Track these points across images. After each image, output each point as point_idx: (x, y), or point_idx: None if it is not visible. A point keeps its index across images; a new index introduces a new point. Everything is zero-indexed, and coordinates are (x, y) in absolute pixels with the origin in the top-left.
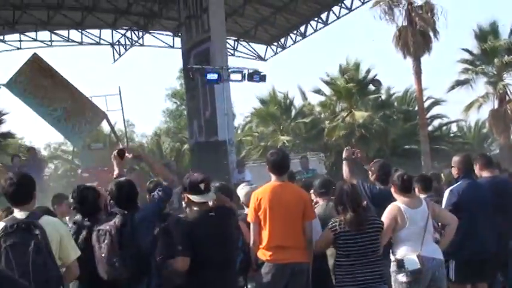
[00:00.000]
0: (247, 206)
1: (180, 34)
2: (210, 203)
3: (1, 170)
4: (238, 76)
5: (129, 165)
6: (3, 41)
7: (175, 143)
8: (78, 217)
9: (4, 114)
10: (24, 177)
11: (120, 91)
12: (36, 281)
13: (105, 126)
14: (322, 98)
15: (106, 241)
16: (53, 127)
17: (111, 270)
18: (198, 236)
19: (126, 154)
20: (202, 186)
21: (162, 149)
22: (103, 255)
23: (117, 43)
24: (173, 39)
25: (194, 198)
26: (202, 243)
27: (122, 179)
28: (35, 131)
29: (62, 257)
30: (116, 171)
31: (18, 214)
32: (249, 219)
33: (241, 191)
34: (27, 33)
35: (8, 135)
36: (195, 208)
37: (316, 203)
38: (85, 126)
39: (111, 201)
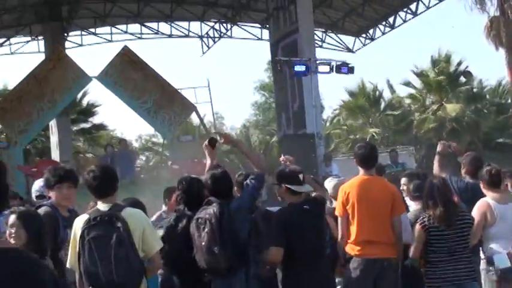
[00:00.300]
0: (335, 199)
1: (267, 26)
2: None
3: (92, 161)
4: (326, 68)
5: (219, 158)
6: (94, 33)
7: (264, 135)
8: (181, 207)
9: (96, 106)
10: (107, 170)
11: (208, 83)
12: (118, 274)
13: (194, 118)
14: (411, 91)
15: (206, 229)
16: (144, 119)
17: (211, 259)
18: (293, 227)
19: (219, 139)
20: (301, 176)
21: (251, 141)
22: (203, 243)
23: (206, 35)
24: (261, 31)
25: (295, 188)
26: (297, 234)
27: (217, 170)
28: (126, 122)
29: (144, 249)
30: (209, 161)
31: (102, 206)
32: (336, 213)
33: (329, 183)
34: (118, 26)
35: (101, 127)
36: (290, 200)
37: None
38: (174, 119)
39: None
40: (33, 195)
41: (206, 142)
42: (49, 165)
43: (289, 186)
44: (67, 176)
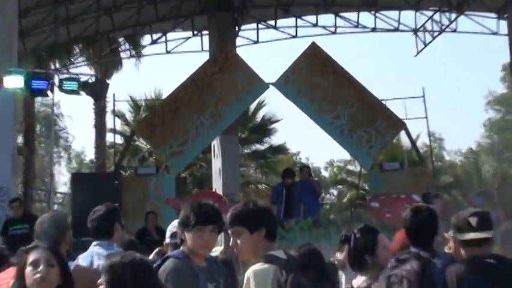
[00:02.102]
0: None
1: (506, 16)
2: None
3: (266, 193)
4: None
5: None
6: (275, 27)
7: (500, 163)
8: None
9: (274, 122)
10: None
11: (423, 93)
12: None
13: (403, 139)
14: None
15: None
16: (335, 140)
17: None
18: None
19: None
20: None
21: (482, 171)
22: None
23: (422, 29)
24: (497, 22)
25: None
26: None
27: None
28: (313, 144)
29: None
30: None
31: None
32: None
33: None
34: (304, 18)
35: (279, 149)
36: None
37: None
38: (376, 140)
39: None
40: (167, 235)
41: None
42: (208, 199)
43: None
44: (215, 217)
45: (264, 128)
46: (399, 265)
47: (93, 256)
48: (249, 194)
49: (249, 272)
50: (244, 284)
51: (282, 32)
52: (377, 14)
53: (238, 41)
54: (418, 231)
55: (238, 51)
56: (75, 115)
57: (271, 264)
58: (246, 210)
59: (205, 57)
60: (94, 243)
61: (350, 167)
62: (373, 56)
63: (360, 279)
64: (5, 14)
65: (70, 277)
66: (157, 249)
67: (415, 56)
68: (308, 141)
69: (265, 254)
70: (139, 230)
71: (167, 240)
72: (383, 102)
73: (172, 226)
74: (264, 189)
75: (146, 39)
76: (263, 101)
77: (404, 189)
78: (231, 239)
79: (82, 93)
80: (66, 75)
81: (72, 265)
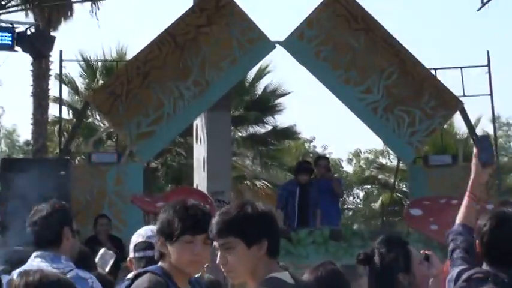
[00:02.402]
0: None
1: None
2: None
3: (267, 193)
4: None
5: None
6: None
7: None
8: None
9: (281, 96)
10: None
11: (489, 61)
12: None
13: (457, 123)
14: None
15: None
16: (365, 122)
17: None
18: None
19: None
20: None
21: None
22: None
23: None
24: None
25: None
26: None
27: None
28: (333, 128)
29: None
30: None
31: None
32: None
33: None
34: None
35: (288, 134)
36: None
37: None
38: (422, 123)
39: None
40: (131, 247)
41: (475, 160)
42: (190, 198)
43: None
44: (208, 223)
45: (267, 104)
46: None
47: None
48: (242, 192)
49: None
50: None
51: None
52: None
53: None
54: (501, 245)
55: None
56: (5, 79)
57: None
58: (243, 216)
59: (188, 3)
60: (35, 254)
61: (383, 160)
62: (420, 9)
63: None
64: None
65: None
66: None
67: (478, 10)
68: (326, 123)
69: (266, 277)
70: (88, 238)
71: (131, 254)
72: (432, 72)
73: (138, 235)
74: (264, 187)
75: None
76: (267, 67)
77: (457, 192)
78: (219, 254)
79: (17, 48)
80: None
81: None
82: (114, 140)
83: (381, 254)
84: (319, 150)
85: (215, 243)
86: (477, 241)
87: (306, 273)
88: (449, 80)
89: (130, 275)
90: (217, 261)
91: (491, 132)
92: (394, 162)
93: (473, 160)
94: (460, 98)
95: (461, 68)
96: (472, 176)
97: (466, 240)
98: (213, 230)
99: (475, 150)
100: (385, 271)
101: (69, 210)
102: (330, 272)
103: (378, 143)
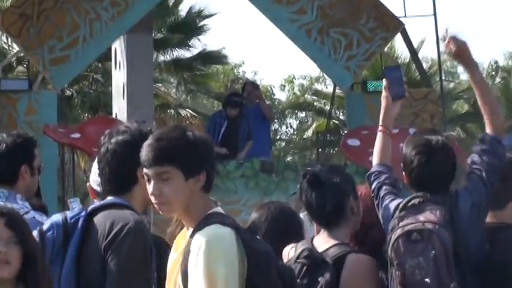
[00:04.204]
0: None
1: None
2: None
3: (192, 123)
4: None
5: None
6: None
7: None
8: None
9: (207, 17)
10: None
11: None
12: None
13: (399, 46)
14: None
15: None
16: (297, 45)
17: None
18: None
19: (446, 48)
20: None
21: None
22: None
23: None
24: None
25: None
26: None
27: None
28: (263, 52)
29: None
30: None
31: None
32: None
33: None
34: None
35: (215, 58)
36: None
37: None
38: (359, 46)
39: None
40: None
41: (385, 92)
42: (107, 128)
43: None
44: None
45: (192, 26)
46: (410, 214)
47: None
48: (166, 122)
49: (202, 239)
50: (191, 258)
51: None
52: None
53: None
54: (431, 179)
55: None
56: None
57: (230, 228)
58: (184, 144)
59: None
60: None
61: (318, 86)
62: None
63: (323, 240)
64: None
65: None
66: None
67: None
68: (257, 46)
69: (210, 212)
70: None
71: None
72: None
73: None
74: (190, 116)
75: None
76: None
77: (398, 121)
78: (152, 183)
79: None
80: None
81: None
82: (25, 65)
83: (320, 176)
84: (249, 75)
85: (147, 171)
86: (404, 173)
87: (253, 212)
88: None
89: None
90: (149, 192)
91: (434, 55)
92: (330, 89)
93: (383, 93)
94: (402, 19)
95: None
96: (382, 110)
97: (389, 178)
98: (147, 156)
99: (384, 82)
100: (331, 196)
101: (31, 144)
102: (281, 209)
103: (313, 68)
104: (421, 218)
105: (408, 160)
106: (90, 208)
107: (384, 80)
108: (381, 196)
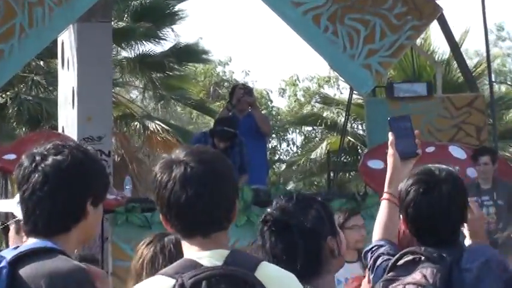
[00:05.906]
0: None
1: None
2: None
3: (165, 140)
4: None
5: None
6: None
7: None
8: None
9: (181, 1)
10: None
11: None
12: None
13: (435, 39)
14: None
15: None
16: (302, 37)
17: None
18: None
19: None
20: None
21: None
22: None
23: None
24: None
25: None
26: None
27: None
28: (257, 45)
29: None
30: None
31: (203, 255)
32: None
33: None
34: None
35: (193, 54)
36: None
37: None
38: (383, 38)
39: None
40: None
41: (391, 149)
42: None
43: None
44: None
45: (162, 12)
46: (399, 276)
47: None
48: (126, 139)
49: None
50: None
51: None
52: None
53: None
54: (427, 219)
55: None
56: None
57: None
58: None
59: None
60: None
61: (329, 91)
62: None
63: None
64: None
65: None
66: None
67: None
68: (247, 39)
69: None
70: None
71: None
72: None
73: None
74: (160, 130)
75: None
76: None
77: (434, 136)
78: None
79: None
80: None
81: None
82: None
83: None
84: (238, 77)
85: None
86: (401, 216)
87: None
88: None
89: None
90: None
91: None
92: (345, 94)
93: (389, 150)
94: (439, 3)
95: None
96: (388, 172)
97: (390, 249)
98: None
99: (390, 136)
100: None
101: None
102: None
103: (322, 67)
104: (408, 279)
105: (403, 193)
106: (11, 257)
107: (389, 133)
108: (377, 266)
